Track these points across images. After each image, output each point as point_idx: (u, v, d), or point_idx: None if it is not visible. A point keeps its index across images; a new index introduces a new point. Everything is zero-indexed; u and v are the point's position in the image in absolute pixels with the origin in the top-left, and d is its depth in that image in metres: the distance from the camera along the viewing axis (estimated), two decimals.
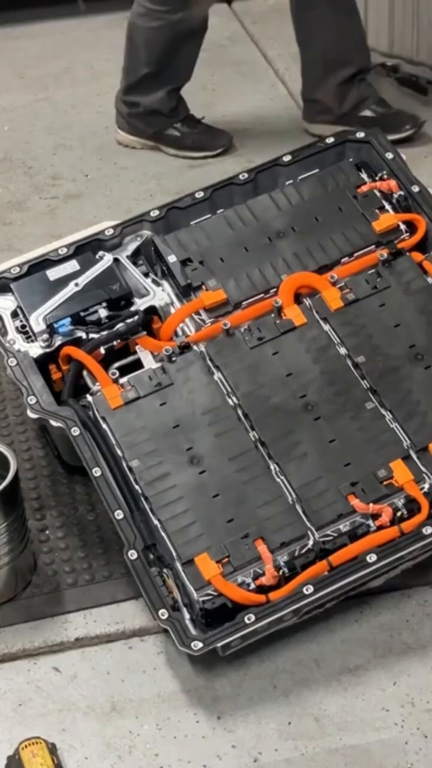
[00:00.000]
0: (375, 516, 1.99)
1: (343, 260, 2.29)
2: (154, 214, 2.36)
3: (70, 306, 2.24)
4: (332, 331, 2.19)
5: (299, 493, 2.01)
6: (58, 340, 2.21)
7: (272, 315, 2.21)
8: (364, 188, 2.38)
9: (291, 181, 2.41)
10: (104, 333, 2.20)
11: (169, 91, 3.33)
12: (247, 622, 1.90)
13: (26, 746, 1.85)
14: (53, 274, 2.28)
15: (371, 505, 1.99)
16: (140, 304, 2.27)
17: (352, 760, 1.87)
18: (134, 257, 2.34)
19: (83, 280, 2.27)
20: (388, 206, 2.36)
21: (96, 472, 2.04)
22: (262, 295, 2.25)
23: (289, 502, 2.01)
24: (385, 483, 2.01)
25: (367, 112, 3.31)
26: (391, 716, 1.93)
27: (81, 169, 3.36)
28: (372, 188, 2.37)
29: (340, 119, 3.32)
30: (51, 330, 2.21)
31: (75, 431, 2.08)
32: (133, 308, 2.25)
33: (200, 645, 1.90)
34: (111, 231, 2.34)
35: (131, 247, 2.34)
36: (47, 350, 2.21)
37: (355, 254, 2.29)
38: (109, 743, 1.92)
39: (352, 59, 3.28)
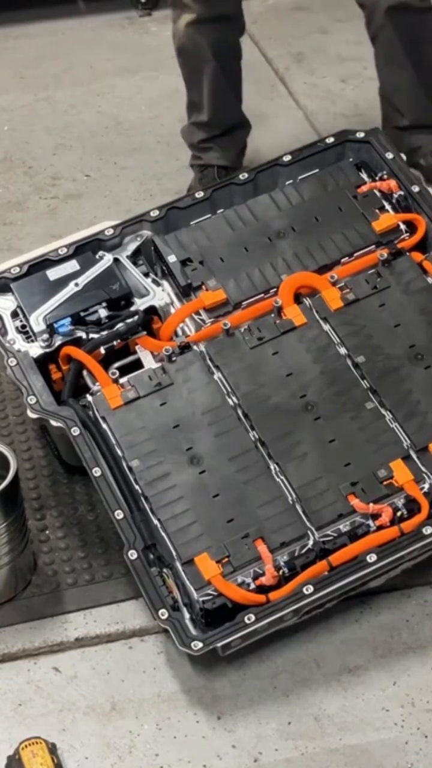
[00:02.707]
0: (375, 516, 1.99)
1: (343, 260, 2.29)
2: (154, 214, 2.36)
3: (70, 306, 2.24)
4: (332, 331, 2.19)
5: (299, 493, 2.01)
6: (58, 340, 2.21)
7: (272, 315, 2.21)
8: (364, 188, 2.38)
9: (291, 181, 2.41)
10: (104, 333, 2.20)
11: (193, 123, 3.16)
12: (247, 622, 1.90)
13: (26, 746, 1.85)
14: (53, 274, 2.28)
15: (371, 505, 1.99)
16: (140, 304, 2.26)
17: (352, 760, 1.88)
18: (134, 257, 2.34)
19: (83, 280, 2.27)
20: (388, 206, 2.36)
21: (96, 472, 2.04)
22: (262, 295, 2.25)
23: (289, 502, 2.01)
24: (385, 483, 2.01)
25: (421, 161, 3.17)
26: (391, 716, 1.93)
27: (81, 169, 3.36)
28: (372, 188, 2.37)
29: None
30: (51, 330, 2.21)
31: (75, 431, 2.08)
32: (133, 308, 2.25)
33: (200, 645, 1.90)
34: (111, 231, 2.34)
35: (131, 247, 2.34)
36: (47, 350, 2.21)
37: (355, 254, 2.29)
38: (109, 743, 1.92)
39: (402, 110, 3.14)
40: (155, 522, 2.01)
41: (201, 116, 3.12)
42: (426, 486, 2.02)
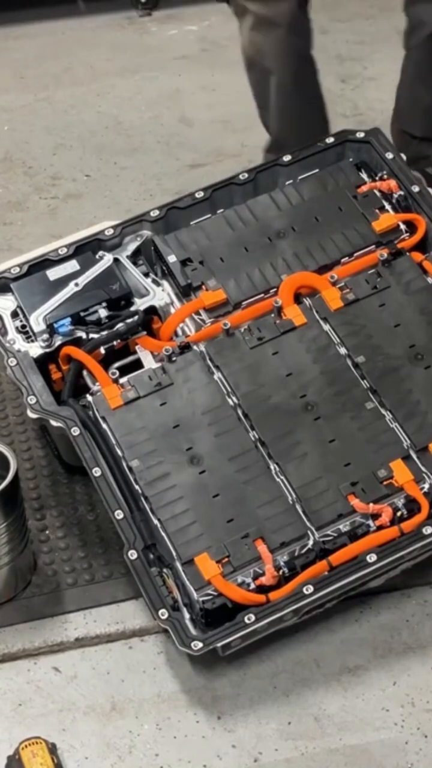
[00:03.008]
0: (375, 516, 1.99)
1: (343, 260, 2.29)
2: (154, 214, 2.36)
3: (70, 306, 2.24)
4: (332, 331, 2.19)
5: (299, 493, 2.01)
6: (58, 340, 2.21)
7: (272, 315, 2.21)
8: (364, 188, 2.38)
9: (291, 181, 2.41)
10: (104, 333, 2.20)
11: (267, 150, 2.94)
12: (247, 622, 1.90)
13: (26, 746, 1.85)
14: (53, 274, 2.28)
15: (371, 505, 1.99)
16: (140, 304, 2.26)
17: (352, 760, 1.88)
18: (134, 257, 2.34)
19: (83, 280, 2.27)
20: (388, 206, 2.36)
21: (96, 472, 2.04)
22: (262, 295, 2.25)
23: (289, 502, 2.01)
24: (385, 483, 2.01)
25: (429, 169, 3.08)
26: (391, 716, 1.93)
27: (81, 169, 3.35)
28: (372, 188, 2.37)
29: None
30: (51, 330, 2.21)
31: (75, 431, 2.08)
32: (133, 308, 2.25)
33: (200, 645, 1.90)
34: (111, 231, 2.34)
35: (131, 247, 2.34)
36: (47, 350, 2.20)
37: (355, 254, 2.29)
38: (109, 743, 1.92)
39: (416, 121, 3.04)
40: (155, 522, 2.01)
41: (270, 138, 2.94)
42: (426, 486, 2.02)
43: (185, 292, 2.28)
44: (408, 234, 2.31)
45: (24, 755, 1.84)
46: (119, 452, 2.08)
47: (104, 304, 2.24)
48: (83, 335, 2.21)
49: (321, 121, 2.91)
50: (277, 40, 2.74)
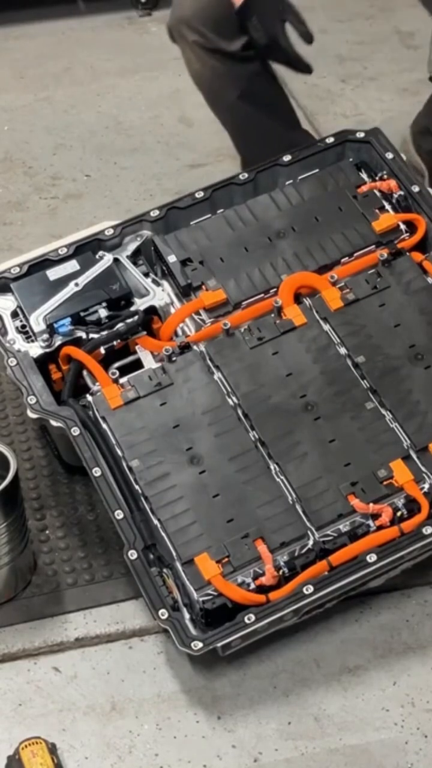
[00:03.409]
0: (375, 516, 1.99)
1: (343, 260, 2.29)
2: (154, 214, 2.36)
3: (70, 306, 2.24)
4: (332, 331, 2.19)
5: (299, 493, 2.01)
6: (58, 340, 2.21)
7: (272, 315, 2.21)
8: (364, 188, 2.38)
9: (291, 181, 2.41)
10: (104, 333, 2.20)
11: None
12: (247, 622, 1.90)
13: (26, 746, 1.85)
14: (53, 274, 2.28)
15: (371, 505, 1.99)
16: (140, 304, 2.26)
17: (352, 760, 1.88)
18: (134, 257, 2.34)
19: (83, 280, 2.27)
20: (388, 206, 2.36)
21: (96, 472, 2.04)
22: (262, 295, 2.25)
23: (289, 502, 2.01)
24: (385, 483, 2.01)
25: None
26: (391, 716, 1.93)
27: (81, 169, 3.35)
28: (372, 188, 2.37)
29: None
30: (51, 330, 2.21)
31: (75, 431, 2.08)
32: (133, 308, 2.25)
33: (200, 645, 1.90)
34: (111, 231, 2.34)
35: (131, 247, 2.34)
36: (47, 350, 2.20)
37: (355, 254, 2.29)
38: (109, 743, 1.92)
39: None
40: (155, 522, 2.01)
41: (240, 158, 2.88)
42: (426, 486, 2.02)
43: (185, 292, 2.28)
44: (408, 234, 2.31)
45: (24, 755, 1.84)
46: (119, 452, 2.08)
47: (104, 304, 2.24)
48: (83, 335, 2.21)
49: (289, 127, 2.86)
50: (226, 71, 2.65)
